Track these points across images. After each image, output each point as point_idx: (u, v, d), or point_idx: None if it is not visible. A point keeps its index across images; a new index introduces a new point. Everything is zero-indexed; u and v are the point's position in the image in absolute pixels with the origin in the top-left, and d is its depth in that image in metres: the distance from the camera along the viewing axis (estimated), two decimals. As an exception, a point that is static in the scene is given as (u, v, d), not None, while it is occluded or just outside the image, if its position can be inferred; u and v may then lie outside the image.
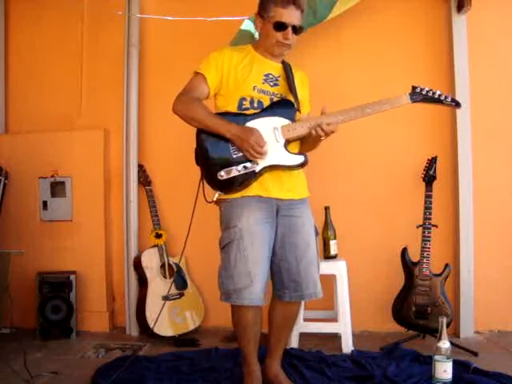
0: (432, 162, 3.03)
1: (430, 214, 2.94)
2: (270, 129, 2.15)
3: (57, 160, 3.44)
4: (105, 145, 3.47)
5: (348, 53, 3.31)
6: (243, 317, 2.20)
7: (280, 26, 2.18)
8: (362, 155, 3.30)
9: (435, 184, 3.00)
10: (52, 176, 3.43)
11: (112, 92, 3.44)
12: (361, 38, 3.29)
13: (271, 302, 2.34)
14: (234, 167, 2.13)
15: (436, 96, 2.20)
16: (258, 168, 2.14)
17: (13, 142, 3.51)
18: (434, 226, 2.94)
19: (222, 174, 2.13)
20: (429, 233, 2.92)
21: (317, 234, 2.34)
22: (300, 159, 2.18)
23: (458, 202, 3.15)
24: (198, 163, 2.24)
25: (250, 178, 2.14)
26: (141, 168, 3.40)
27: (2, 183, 3.27)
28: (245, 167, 2.13)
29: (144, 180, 3.39)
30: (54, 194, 3.44)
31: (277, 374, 2.32)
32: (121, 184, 3.39)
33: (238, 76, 2.22)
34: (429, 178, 3.00)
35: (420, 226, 2.95)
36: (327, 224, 3.04)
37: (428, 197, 2.96)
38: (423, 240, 2.92)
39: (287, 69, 2.31)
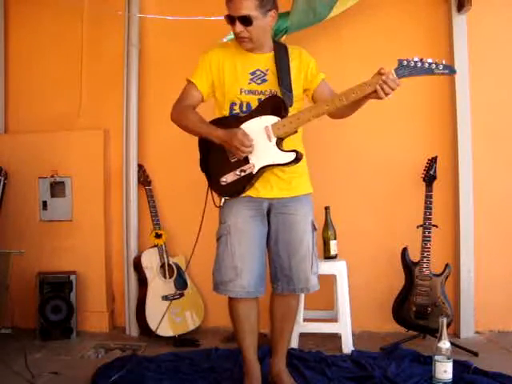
0: (432, 161, 3.02)
1: (431, 213, 2.93)
2: (261, 129, 2.12)
3: (57, 160, 3.43)
4: (105, 145, 3.47)
5: (348, 52, 3.29)
6: (234, 309, 2.27)
7: (229, 20, 2.13)
8: (362, 155, 3.29)
9: (435, 184, 3.00)
10: (52, 176, 3.42)
11: (112, 92, 3.44)
12: (361, 38, 3.28)
13: (270, 296, 2.36)
14: (232, 172, 2.15)
15: (426, 66, 1.96)
16: (254, 170, 2.13)
17: (12, 142, 3.50)
18: (434, 226, 2.94)
19: (224, 180, 2.16)
20: (429, 233, 2.92)
21: (315, 229, 2.32)
22: (291, 156, 2.11)
23: (458, 202, 3.15)
24: (202, 170, 2.27)
25: (249, 180, 2.15)
26: (141, 168, 3.39)
27: (1, 183, 3.27)
28: (242, 170, 2.14)
29: (144, 180, 3.39)
30: (53, 194, 3.43)
31: (278, 373, 2.31)
32: (121, 184, 3.39)
33: (225, 79, 2.21)
34: (429, 178, 2.99)
35: (420, 226, 2.94)
36: (327, 224, 3.04)
37: (428, 197, 2.96)
38: (423, 240, 2.92)
39: (278, 57, 2.21)
